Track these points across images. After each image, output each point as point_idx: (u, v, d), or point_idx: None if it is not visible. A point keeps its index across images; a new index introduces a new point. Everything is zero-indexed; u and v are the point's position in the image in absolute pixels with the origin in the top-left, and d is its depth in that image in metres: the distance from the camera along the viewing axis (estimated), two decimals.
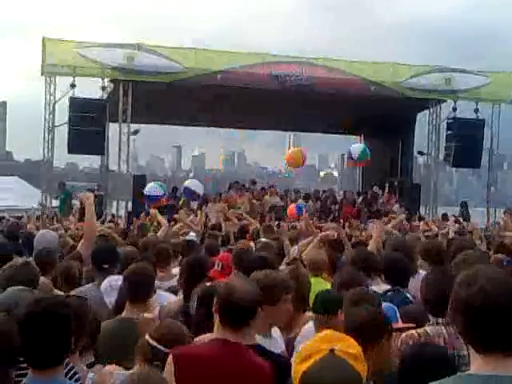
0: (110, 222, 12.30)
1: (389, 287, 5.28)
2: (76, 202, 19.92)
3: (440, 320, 4.15)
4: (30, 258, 6.26)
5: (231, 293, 3.60)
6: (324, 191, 23.98)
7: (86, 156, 22.59)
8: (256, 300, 3.57)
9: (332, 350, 2.33)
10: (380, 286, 5.33)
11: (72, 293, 5.23)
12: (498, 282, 2.18)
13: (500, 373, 2.10)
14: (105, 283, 5.58)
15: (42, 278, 5.21)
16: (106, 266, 5.86)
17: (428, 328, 4.19)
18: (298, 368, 2.35)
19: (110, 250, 6.38)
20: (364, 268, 5.44)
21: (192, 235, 10.14)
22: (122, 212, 21.00)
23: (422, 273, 6.04)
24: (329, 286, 5.04)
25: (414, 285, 5.25)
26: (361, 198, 22.40)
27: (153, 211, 11.30)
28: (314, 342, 2.45)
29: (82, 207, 9.29)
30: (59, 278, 5.84)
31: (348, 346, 2.40)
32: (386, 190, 22.16)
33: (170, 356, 3.37)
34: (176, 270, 6.52)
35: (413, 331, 4.12)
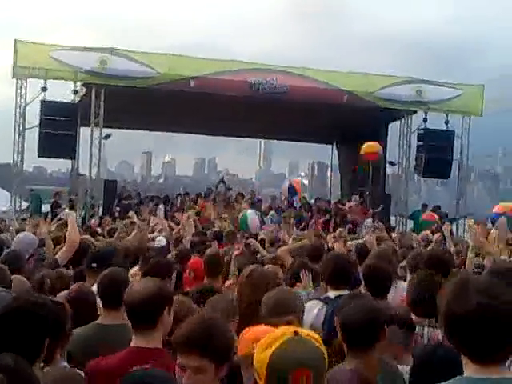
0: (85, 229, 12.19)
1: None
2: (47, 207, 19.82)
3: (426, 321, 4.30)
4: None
5: (128, 294, 3.65)
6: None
7: (54, 160, 22.33)
8: (151, 301, 3.54)
9: (296, 333, 2.38)
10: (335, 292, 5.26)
11: (61, 294, 5.18)
12: (486, 292, 2.22)
13: (495, 376, 2.23)
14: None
15: (18, 277, 5.15)
16: (94, 266, 5.79)
17: None
18: (262, 356, 2.36)
19: (102, 251, 6.34)
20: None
21: (161, 239, 10.09)
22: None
23: (401, 283, 6.07)
24: None
25: (393, 296, 5.27)
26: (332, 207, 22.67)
27: (131, 213, 11.23)
28: (274, 332, 2.47)
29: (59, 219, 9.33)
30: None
31: (310, 332, 2.48)
32: (359, 201, 22.34)
33: (84, 370, 3.45)
34: None
35: None
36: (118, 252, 7.06)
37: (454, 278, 2.44)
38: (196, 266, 6.72)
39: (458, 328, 2.24)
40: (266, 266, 6.41)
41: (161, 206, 16.29)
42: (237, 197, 22.39)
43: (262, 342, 2.43)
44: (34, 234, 9.27)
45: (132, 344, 3.58)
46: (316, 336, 2.46)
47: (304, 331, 2.45)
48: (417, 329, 4.35)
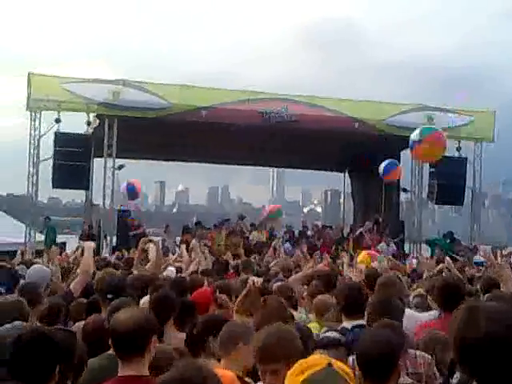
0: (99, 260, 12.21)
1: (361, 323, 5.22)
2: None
3: None
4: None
5: (115, 323, 3.63)
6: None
7: (69, 191, 22.48)
8: (140, 330, 3.53)
9: (330, 364, 2.41)
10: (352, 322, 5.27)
11: (77, 324, 5.18)
12: (495, 319, 2.24)
13: None
14: None
15: None
16: (110, 297, 5.79)
17: None
18: (295, 379, 2.40)
19: (115, 281, 6.35)
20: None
21: (171, 269, 10.03)
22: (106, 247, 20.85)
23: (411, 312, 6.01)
24: None
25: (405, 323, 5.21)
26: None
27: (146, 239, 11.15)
28: (310, 358, 2.52)
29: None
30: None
31: (343, 366, 2.50)
32: (371, 227, 22.16)
33: None
34: None
35: None
36: (132, 282, 7.08)
37: (465, 303, 2.46)
38: (197, 297, 6.61)
39: (467, 355, 2.24)
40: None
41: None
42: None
43: (299, 364, 2.46)
44: (48, 266, 9.30)
45: (120, 373, 3.55)
46: (348, 371, 2.48)
47: (337, 364, 2.45)
48: None
